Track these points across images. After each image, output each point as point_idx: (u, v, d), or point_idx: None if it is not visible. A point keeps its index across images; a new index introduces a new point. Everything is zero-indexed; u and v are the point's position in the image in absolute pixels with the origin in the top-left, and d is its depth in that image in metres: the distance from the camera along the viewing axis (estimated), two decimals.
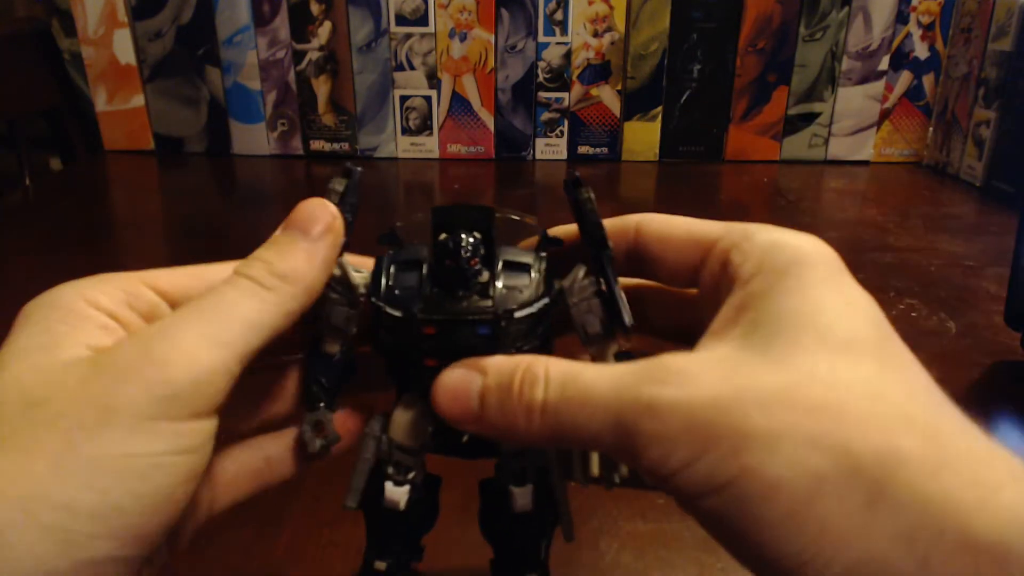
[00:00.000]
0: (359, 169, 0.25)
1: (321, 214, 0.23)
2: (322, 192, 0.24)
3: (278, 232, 0.23)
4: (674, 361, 0.19)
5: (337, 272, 0.24)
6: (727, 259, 0.22)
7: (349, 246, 0.25)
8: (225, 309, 0.21)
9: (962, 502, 0.16)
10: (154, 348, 0.20)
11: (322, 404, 0.25)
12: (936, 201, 0.85)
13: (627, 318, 0.23)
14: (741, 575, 0.19)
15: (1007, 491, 0.16)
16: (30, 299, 0.23)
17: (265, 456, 0.26)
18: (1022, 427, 0.41)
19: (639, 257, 0.25)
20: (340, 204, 0.24)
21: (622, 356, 0.24)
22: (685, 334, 0.24)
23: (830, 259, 0.21)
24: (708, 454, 0.17)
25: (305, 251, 0.23)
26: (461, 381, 0.21)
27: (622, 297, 0.23)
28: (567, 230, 0.26)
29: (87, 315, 0.21)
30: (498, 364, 0.21)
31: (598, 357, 0.24)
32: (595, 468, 0.23)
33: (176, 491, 0.20)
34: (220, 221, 0.78)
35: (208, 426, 0.20)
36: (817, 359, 0.18)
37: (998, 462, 0.17)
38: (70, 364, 0.19)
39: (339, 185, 0.24)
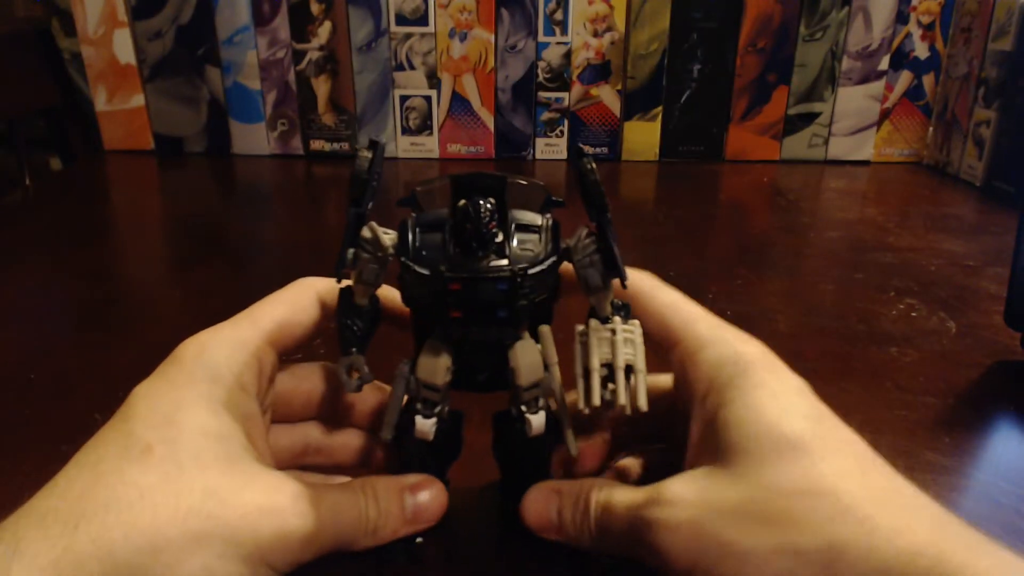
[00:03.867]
0: (384, 142, 0.26)
1: (438, 515, 0.28)
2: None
3: (408, 503, 0.28)
4: (668, 489, 0.25)
5: (368, 234, 0.27)
6: (685, 370, 0.28)
7: (373, 209, 0.27)
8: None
9: (889, 567, 0.21)
10: (287, 528, 0.24)
11: (354, 349, 0.28)
12: (936, 201, 0.85)
13: (624, 272, 0.27)
14: None
15: (923, 554, 0.21)
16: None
17: (305, 441, 0.31)
18: (1022, 427, 0.41)
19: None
20: (369, 172, 0.26)
21: (617, 307, 0.28)
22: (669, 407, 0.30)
23: (764, 362, 0.26)
24: (697, 566, 0.23)
25: (402, 533, 0.27)
26: (544, 504, 0.28)
27: (619, 255, 0.26)
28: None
29: (238, 400, 0.26)
30: (569, 489, 0.28)
31: (598, 306, 0.28)
32: (596, 397, 0.26)
33: None
34: (220, 221, 0.78)
35: None
36: (765, 469, 0.23)
37: (915, 521, 0.22)
38: (238, 472, 0.25)
39: (367, 154, 0.27)
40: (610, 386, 0.26)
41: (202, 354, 0.27)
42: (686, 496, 0.24)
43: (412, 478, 0.28)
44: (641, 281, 0.30)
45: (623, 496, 0.26)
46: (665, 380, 0.30)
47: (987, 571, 0.20)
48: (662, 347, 0.29)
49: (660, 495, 0.25)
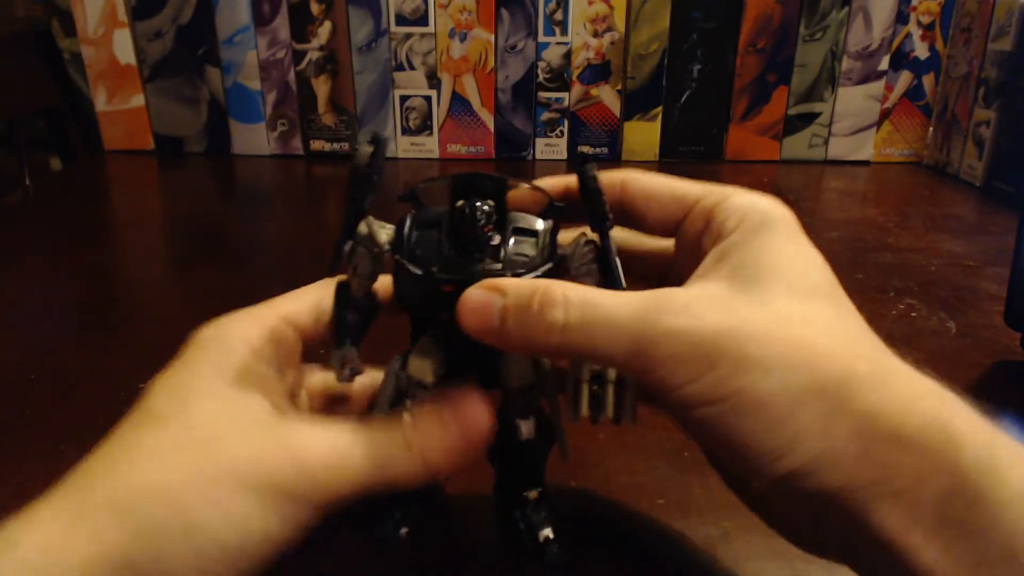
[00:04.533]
0: (385, 137, 0.26)
1: (485, 429, 0.26)
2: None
3: (447, 415, 0.26)
4: (680, 296, 0.23)
5: (364, 230, 0.27)
6: (710, 216, 0.27)
7: (373, 205, 0.27)
8: (358, 458, 0.24)
9: (894, 410, 0.21)
10: (307, 461, 0.24)
11: (348, 341, 0.28)
12: (936, 201, 0.85)
13: (622, 282, 0.26)
14: None
15: (926, 401, 0.22)
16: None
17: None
18: (1022, 427, 0.41)
19: (623, 210, 0.29)
20: (369, 167, 0.26)
21: None
22: (658, 276, 0.30)
23: (790, 221, 0.26)
24: (711, 373, 0.22)
25: (453, 453, 0.26)
26: (483, 301, 0.24)
27: (617, 264, 0.26)
28: (556, 183, 0.29)
29: (248, 364, 0.26)
30: (516, 285, 0.24)
31: None
32: (584, 408, 0.26)
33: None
34: (220, 221, 0.78)
35: (308, 518, 0.24)
36: (791, 303, 0.23)
37: (918, 380, 0.22)
38: (244, 419, 0.25)
39: (368, 149, 0.26)
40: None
41: (217, 332, 0.27)
42: (706, 306, 0.23)
43: (449, 399, 0.27)
44: (632, 171, 0.29)
45: (614, 302, 0.23)
46: (664, 243, 0.30)
47: (988, 455, 0.21)
48: (670, 222, 0.28)
49: (675, 302, 0.23)
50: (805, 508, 0.23)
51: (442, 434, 0.26)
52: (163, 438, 0.24)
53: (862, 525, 0.21)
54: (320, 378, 0.31)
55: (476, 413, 0.26)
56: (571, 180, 0.29)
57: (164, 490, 0.22)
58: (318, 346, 0.30)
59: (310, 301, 0.30)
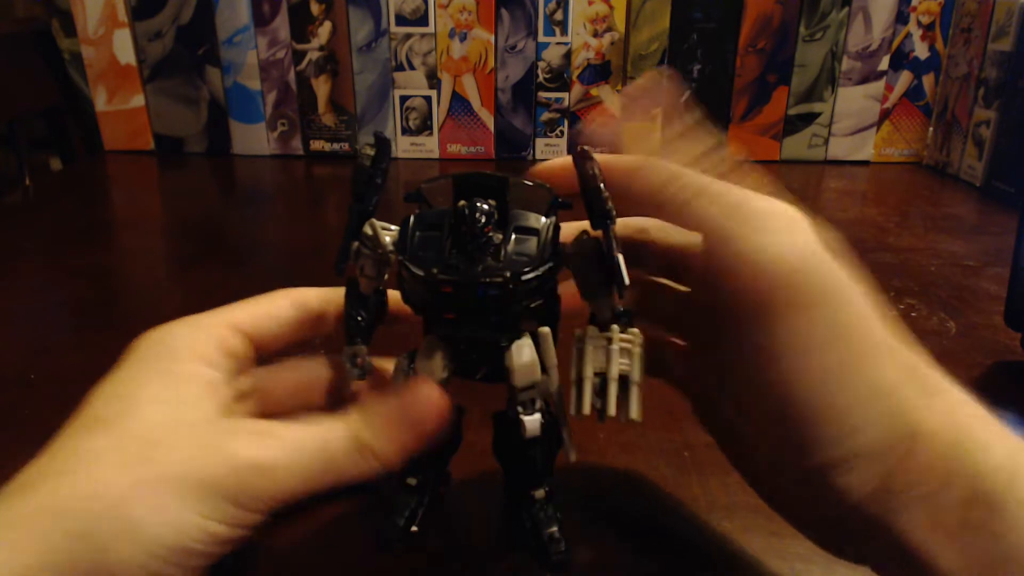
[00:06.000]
0: (388, 138, 0.27)
1: (437, 415, 0.26)
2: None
3: (393, 404, 0.26)
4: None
5: (369, 231, 0.27)
6: (714, 265, 0.25)
7: (378, 207, 0.28)
8: (315, 454, 0.24)
9: (938, 418, 0.22)
10: (243, 466, 0.24)
11: (359, 340, 0.29)
12: (936, 201, 0.85)
13: (625, 279, 0.25)
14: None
15: (961, 409, 0.23)
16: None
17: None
18: (1022, 427, 0.41)
19: (638, 251, 0.29)
20: (373, 168, 0.26)
21: (619, 313, 0.27)
22: (677, 324, 0.31)
23: (828, 286, 0.27)
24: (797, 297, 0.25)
25: (403, 443, 0.25)
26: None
27: (621, 261, 0.26)
28: (553, 168, 0.30)
29: (196, 371, 0.26)
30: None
31: (597, 312, 0.27)
32: (587, 406, 0.26)
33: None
34: (220, 221, 0.78)
35: (252, 519, 0.24)
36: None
37: (952, 389, 0.23)
38: (186, 424, 0.24)
39: (370, 151, 0.27)
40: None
41: (160, 337, 0.27)
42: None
43: (400, 390, 0.27)
44: (651, 225, 0.30)
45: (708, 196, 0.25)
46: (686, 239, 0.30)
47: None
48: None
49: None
50: (827, 509, 0.23)
51: (391, 428, 0.25)
52: (104, 443, 0.23)
53: (883, 530, 0.22)
54: (326, 374, 0.31)
55: (425, 405, 0.26)
56: (569, 163, 0.28)
57: (104, 494, 0.22)
58: (272, 355, 0.30)
59: (261, 310, 0.29)
